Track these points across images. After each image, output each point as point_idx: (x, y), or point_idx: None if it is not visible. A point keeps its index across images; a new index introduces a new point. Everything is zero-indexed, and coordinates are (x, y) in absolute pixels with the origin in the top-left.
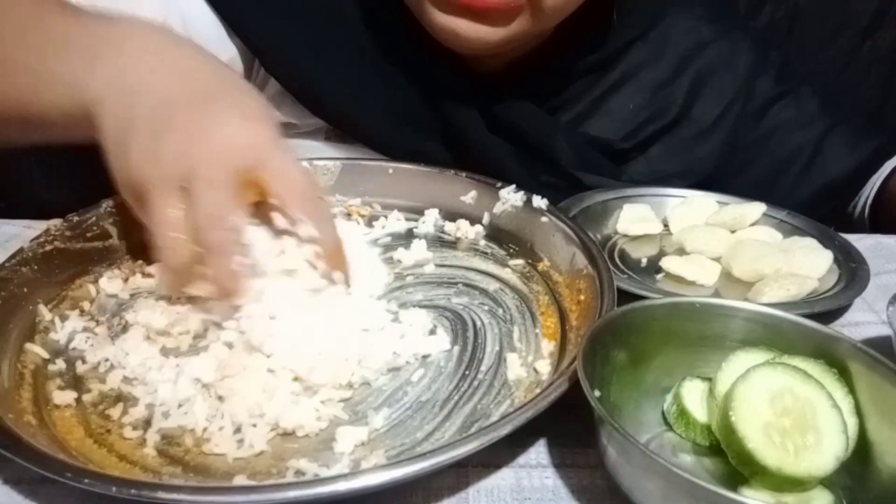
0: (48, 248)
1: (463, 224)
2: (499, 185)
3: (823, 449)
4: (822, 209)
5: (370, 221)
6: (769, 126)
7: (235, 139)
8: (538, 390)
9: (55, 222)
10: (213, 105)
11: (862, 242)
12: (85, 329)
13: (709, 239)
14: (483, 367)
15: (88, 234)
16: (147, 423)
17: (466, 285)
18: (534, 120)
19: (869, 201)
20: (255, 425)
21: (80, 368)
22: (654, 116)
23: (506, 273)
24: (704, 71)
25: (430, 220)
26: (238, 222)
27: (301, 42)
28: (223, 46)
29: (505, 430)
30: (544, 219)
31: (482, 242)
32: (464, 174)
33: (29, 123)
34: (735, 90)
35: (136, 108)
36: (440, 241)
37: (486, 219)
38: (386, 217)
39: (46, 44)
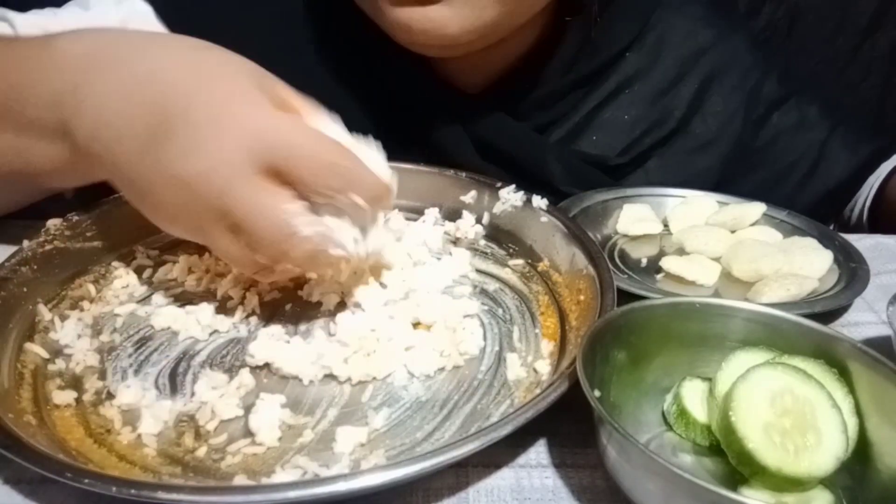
0: (48, 247)
1: (463, 224)
2: (499, 185)
3: (823, 449)
4: (822, 213)
5: None
6: (772, 132)
7: (248, 134)
8: (538, 390)
9: (55, 222)
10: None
11: (862, 242)
12: (85, 328)
13: (709, 239)
14: (483, 367)
15: (88, 234)
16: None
17: None
18: (522, 141)
19: (867, 203)
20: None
21: (80, 368)
22: (652, 127)
23: (505, 273)
24: (706, 79)
25: (430, 220)
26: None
27: (274, 53)
28: None
29: (505, 430)
30: (544, 219)
31: (482, 242)
32: (464, 174)
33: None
34: (738, 99)
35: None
36: None
37: (485, 219)
38: (386, 217)
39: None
